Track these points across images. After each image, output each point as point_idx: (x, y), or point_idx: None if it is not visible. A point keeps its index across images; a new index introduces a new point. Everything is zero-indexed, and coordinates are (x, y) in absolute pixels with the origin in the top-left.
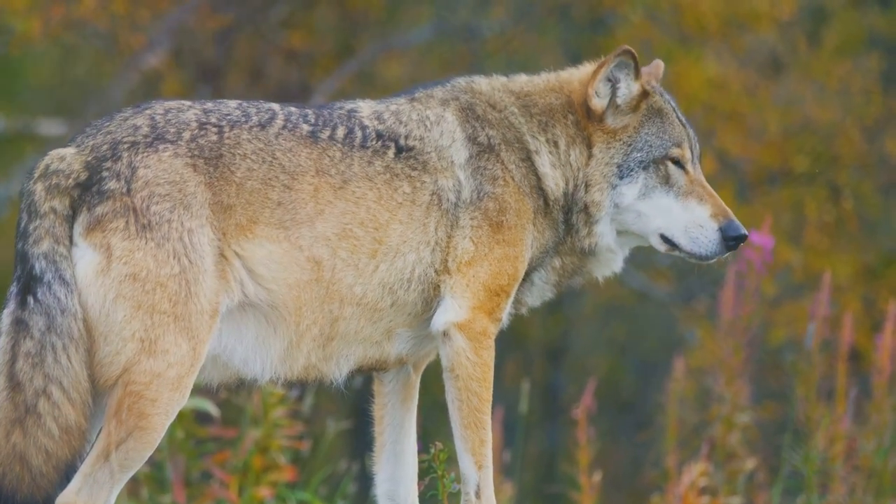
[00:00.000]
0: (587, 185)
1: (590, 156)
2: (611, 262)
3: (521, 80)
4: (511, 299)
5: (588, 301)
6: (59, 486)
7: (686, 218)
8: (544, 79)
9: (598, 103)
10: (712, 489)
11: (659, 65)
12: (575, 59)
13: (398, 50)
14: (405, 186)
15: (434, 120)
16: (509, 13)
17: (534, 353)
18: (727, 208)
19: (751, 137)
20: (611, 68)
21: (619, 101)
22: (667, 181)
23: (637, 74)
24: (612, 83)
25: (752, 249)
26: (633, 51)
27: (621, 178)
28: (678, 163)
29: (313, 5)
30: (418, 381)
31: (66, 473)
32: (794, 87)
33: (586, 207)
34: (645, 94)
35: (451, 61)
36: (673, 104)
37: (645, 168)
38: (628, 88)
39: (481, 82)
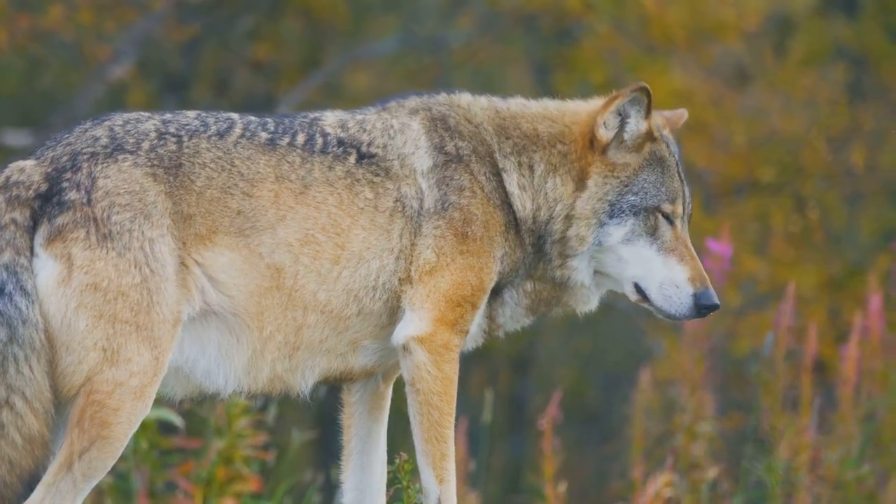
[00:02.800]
0: (572, 218)
1: (582, 188)
2: (587, 298)
3: (515, 102)
4: (478, 311)
5: None
6: (22, 497)
7: (664, 274)
8: (542, 105)
9: (605, 134)
10: (677, 500)
11: (682, 114)
12: (541, 70)
13: (364, 61)
14: (367, 192)
15: (398, 128)
16: (476, 24)
17: (499, 363)
18: (705, 275)
19: (716, 148)
20: (625, 102)
21: (625, 136)
22: (653, 232)
23: (648, 113)
24: (623, 117)
25: (711, 258)
26: (648, 88)
27: (611, 216)
28: (668, 217)
29: (279, 17)
30: (389, 391)
31: (30, 483)
32: (759, 98)
33: (566, 240)
34: (651, 136)
35: (418, 73)
36: (677, 158)
37: (636, 214)
38: (637, 126)
39: (464, 96)
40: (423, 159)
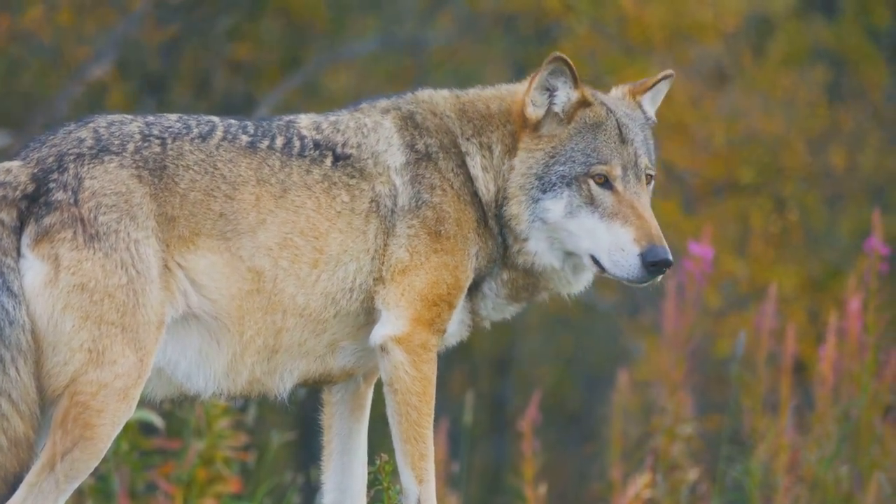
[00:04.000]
0: (507, 199)
1: (513, 167)
2: (565, 280)
3: (472, 90)
4: (455, 310)
5: (534, 312)
6: (6, 499)
7: (609, 240)
8: (495, 88)
9: (533, 112)
10: (656, 501)
11: (660, 76)
12: (520, 71)
13: (344, 61)
14: (343, 195)
15: (371, 127)
16: (455, 25)
17: (480, 364)
18: (653, 232)
19: (696, 149)
20: (545, 76)
21: (556, 108)
22: (591, 201)
23: (575, 82)
24: (550, 91)
25: (693, 260)
26: (566, 57)
27: (544, 191)
28: (606, 181)
29: (259, 17)
30: (370, 391)
31: (14, 486)
32: (739, 99)
33: (508, 222)
34: (584, 103)
35: (398, 73)
36: (622, 121)
37: (568, 185)
38: (567, 96)
39: (426, 91)
40: (395, 156)
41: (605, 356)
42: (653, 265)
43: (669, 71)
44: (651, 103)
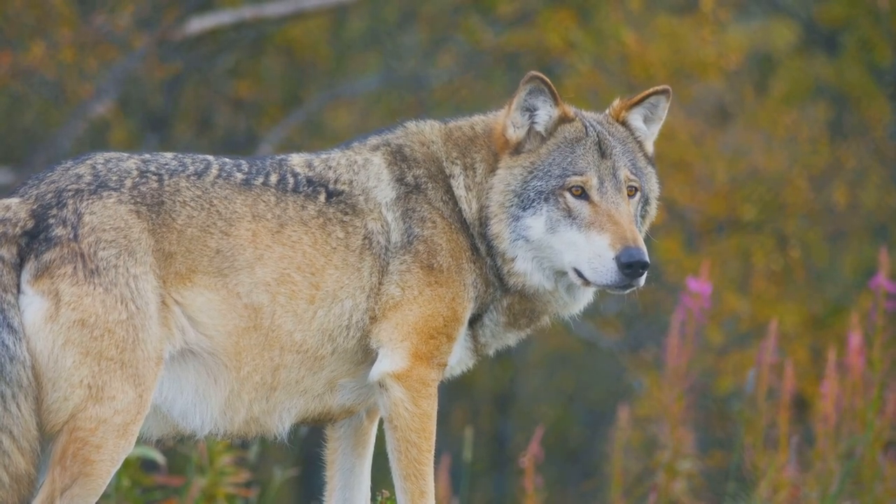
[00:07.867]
0: (488, 218)
1: (493, 185)
2: (562, 302)
3: (460, 119)
4: (455, 342)
5: (536, 349)
6: None
7: (588, 249)
8: (483, 114)
9: (513, 134)
10: None
11: (652, 90)
12: None
13: (346, 99)
14: (338, 231)
15: (361, 163)
16: (457, 62)
17: (481, 400)
18: (629, 235)
19: (698, 186)
20: (524, 96)
21: (538, 128)
22: (569, 213)
23: (555, 99)
24: (530, 112)
25: (691, 296)
26: (543, 76)
27: (524, 209)
28: (582, 193)
29: (260, 55)
30: (373, 427)
31: None
32: (741, 137)
33: (492, 242)
34: (564, 119)
35: (399, 110)
36: (601, 135)
37: (546, 199)
38: (549, 114)
39: (416, 122)
40: (385, 192)
41: (606, 392)
42: (628, 266)
43: (663, 86)
44: (643, 119)
